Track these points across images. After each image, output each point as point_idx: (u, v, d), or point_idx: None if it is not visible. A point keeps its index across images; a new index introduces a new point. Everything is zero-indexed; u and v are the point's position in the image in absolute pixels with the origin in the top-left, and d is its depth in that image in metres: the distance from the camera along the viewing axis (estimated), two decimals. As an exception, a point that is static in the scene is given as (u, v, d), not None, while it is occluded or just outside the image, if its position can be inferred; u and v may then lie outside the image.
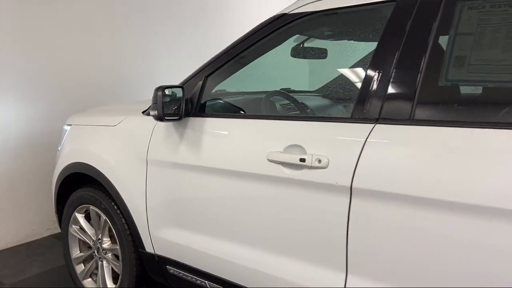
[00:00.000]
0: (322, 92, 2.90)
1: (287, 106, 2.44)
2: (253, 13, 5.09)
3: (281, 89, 2.99)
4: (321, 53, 2.44)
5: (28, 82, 3.32)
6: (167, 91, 1.77)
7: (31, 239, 3.46)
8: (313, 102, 2.72)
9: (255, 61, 1.88)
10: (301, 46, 2.43)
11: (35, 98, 3.38)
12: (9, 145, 3.28)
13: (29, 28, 3.28)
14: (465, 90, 1.42)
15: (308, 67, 4.53)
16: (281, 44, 1.83)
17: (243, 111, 2.02)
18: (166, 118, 1.73)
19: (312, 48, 2.40)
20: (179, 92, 1.84)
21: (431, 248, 1.22)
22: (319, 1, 1.63)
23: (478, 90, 1.38)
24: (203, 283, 1.87)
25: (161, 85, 1.74)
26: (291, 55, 2.41)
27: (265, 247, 1.61)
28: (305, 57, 2.42)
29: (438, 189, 1.19)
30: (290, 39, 1.98)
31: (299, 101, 2.42)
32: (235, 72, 1.89)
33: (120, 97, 3.90)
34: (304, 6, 1.66)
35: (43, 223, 3.52)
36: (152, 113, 1.73)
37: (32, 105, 3.37)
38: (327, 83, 2.90)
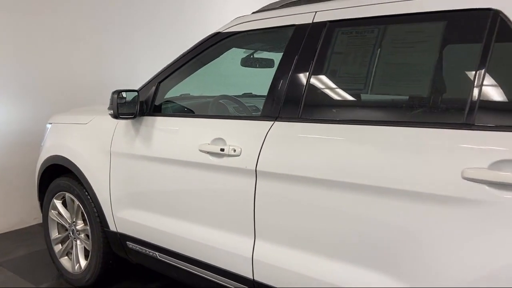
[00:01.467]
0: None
1: (239, 108, 2.81)
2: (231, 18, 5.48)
3: (244, 93, 3.39)
4: (267, 63, 2.82)
5: (19, 85, 3.71)
6: (124, 94, 2.16)
7: (19, 227, 3.83)
8: None
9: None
10: (251, 56, 2.82)
11: (25, 100, 3.76)
12: (0, 143, 3.66)
13: (20, 35, 3.66)
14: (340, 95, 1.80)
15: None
16: (219, 56, 2.22)
17: (192, 111, 2.40)
18: (120, 116, 2.12)
19: (259, 59, 2.79)
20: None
21: (314, 216, 1.58)
22: (245, 23, 2.02)
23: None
24: (154, 255, 2.24)
25: (117, 89, 2.12)
26: (241, 65, 2.79)
27: (198, 221, 1.98)
28: (253, 67, 2.80)
29: (317, 169, 1.56)
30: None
31: (248, 104, 2.79)
32: (183, 79, 2.27)
33: (103, 99, 4.27)
34: (233, 27, 2.06)
35: (30, 213, 3.89)
36: (109, 112, 2.12)
37: (22, 106, 3.75)
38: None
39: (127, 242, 2.39)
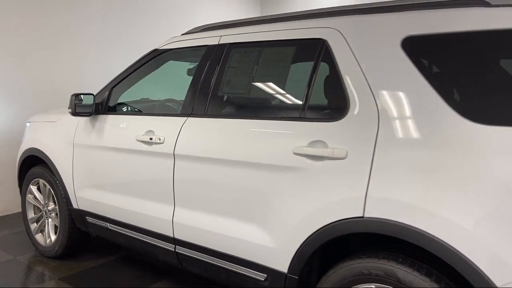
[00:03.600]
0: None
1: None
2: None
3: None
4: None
5: (6, 91, 4.29)
6: (82, 97, 2.73)
7: (4, 214, 4.38)
8: None
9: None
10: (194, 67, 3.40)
11: (12, 103, 4.33)
12: (-12, 139, 4.24)
13: (8, 47, 4.25)
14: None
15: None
16: (158, 68, 2.80)
17: (140, 111, 2.98)
18: (77, 113, 2.70)
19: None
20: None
21: (211, 185, 2.15)
22: (176, 42, 2.62)
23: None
24: (105, 225, 2.80)
25: (75, 92, 2.70)
26: (187, 74, 3.37)
27: (134, 194, 2.55)
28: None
29: (213, 151, 2.13)
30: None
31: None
32: (131, 86, 2.86)
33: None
34: (167, 45, 2.65)
35: (15, 202, 4.43)
36: (68, 110, 2.70)
37: (10, 109, 4.32)
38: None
39: (86, 217, 2.95)
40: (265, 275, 1.98)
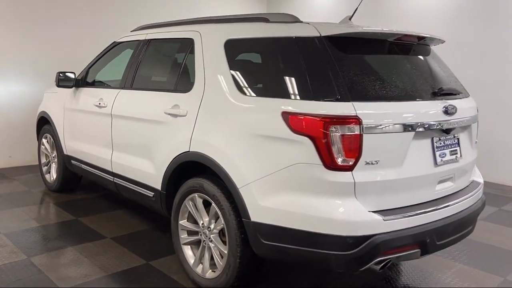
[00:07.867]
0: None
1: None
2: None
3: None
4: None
5: (36, 69, 5.64)
6: (68, 74, 3.91)
7: (32, 163, 5.77)
8: None
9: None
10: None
11: (39, 78, 5.69)
12: (24, 105, 5.64)
13: (39, 39, 5.58)
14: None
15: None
16: (118, 55, 3.90)
17: (109, 85, 4.12)
18: (60, 86, 3.89)
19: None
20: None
21: (129, 134, 3.23)
22: (127, 36, 3.70)
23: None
24: (80, 165, 3.99)
25: (59, 71, 3.89)
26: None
27: (92, 142, 3.70)
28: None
29: (128, 111, 3.20)
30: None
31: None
32: (101, 68, 3.99)
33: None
34: (122, 38, 3.75)
35: (42, 155, 5.82)
36: (55, 83, 3.90)
37: (37, 82, 5.68)
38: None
39: (71, 160, 4.17)
40: (153, 193, 3.03)
